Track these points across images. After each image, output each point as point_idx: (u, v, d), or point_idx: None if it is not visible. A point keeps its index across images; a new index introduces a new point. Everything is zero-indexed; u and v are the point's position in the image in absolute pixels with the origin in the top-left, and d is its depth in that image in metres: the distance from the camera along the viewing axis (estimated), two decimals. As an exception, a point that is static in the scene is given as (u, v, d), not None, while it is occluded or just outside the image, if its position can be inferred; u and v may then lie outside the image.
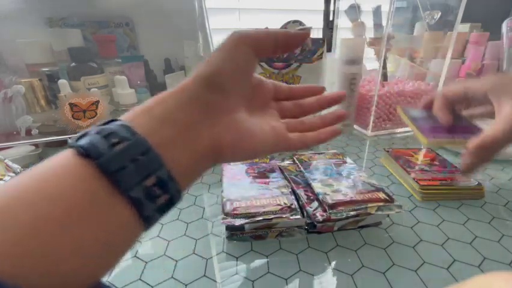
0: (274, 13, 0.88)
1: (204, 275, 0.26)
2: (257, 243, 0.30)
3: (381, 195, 0.32)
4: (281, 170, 0.40)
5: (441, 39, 0.62)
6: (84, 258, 0.12)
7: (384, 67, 0.60)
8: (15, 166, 0.38)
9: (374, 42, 0.66)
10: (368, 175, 0.36)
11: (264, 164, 0.40)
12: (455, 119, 0.35)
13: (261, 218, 0.28)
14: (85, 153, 0.12)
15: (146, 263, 0.28)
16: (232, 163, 0.40)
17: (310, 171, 0.38)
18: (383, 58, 0.55)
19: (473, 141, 0.29)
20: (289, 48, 0.21)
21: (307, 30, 0.22)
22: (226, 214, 0.29)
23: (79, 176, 0.12)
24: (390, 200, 0.31)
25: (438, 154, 0.44)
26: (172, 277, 0.26)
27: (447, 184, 0.36)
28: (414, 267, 0.26)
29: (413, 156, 0.44)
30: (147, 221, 0.14)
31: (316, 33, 0.74)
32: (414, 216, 0.34)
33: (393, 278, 0.25)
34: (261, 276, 0.26)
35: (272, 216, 0.29)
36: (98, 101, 0.44)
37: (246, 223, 0.28)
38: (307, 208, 0.31)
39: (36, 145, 0.46)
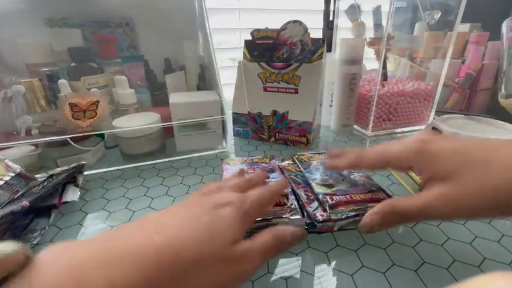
0: (274, 13, 0.88)
1: (204, 275, 0.26)
2: (257, 243, 0.30)
3: (381, 195, 0.32)
4: (281, 170, 0.40)
5: (441, 39, 0.62)
6: None
7: (384, 67, 0.60)
8: (15, 166, 0.38)
9: (374, 42, 0.66)
10: (368, 175, 0.37)
11: (264, 164, 0.40)
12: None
13: (260, 218, 0.28)
14: None
15: (146, 263, 0.28)
16: (232, 163, 0.40)
17: (310, 171, 0.38)
18: (383, 58, 0.55)
19: (385, 203, 0.25)
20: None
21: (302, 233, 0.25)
22: None
23: None
24: (389, 196, 0.31)
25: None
26: (172, 277, 0.26)
27: None
28: (414, 267, 0.26)
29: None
30: None
31: (317, 33, 0.74)
32: (414, 216, 0.34)
33: (393, 278, 0.25)
34: (261, 276, 0.26)
35: (272, 216, 0.29)
36: (98, 101, 0.44)
37: None
38: (308, 208, 0.31)
39: (36, 145, 0.46)
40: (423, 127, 0.61)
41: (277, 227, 0.24)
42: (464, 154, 0.22)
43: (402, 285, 0.25)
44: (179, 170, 0.47)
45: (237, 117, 0.58)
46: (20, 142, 0.43)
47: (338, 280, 0.26)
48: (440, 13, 0.60)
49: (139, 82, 0.60)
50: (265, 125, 0.56)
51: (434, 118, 0.61)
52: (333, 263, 0.27)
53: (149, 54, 0.62)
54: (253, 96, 0.56)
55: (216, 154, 0.52)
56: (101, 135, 0.50)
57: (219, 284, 0.18)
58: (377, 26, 0.67)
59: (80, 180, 0.40)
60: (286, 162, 0.43)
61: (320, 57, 0.52)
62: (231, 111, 0.58)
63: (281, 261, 0.28)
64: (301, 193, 0.33)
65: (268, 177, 0.36)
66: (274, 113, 0.54)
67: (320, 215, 0.29)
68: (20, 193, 0.35)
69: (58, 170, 0.40)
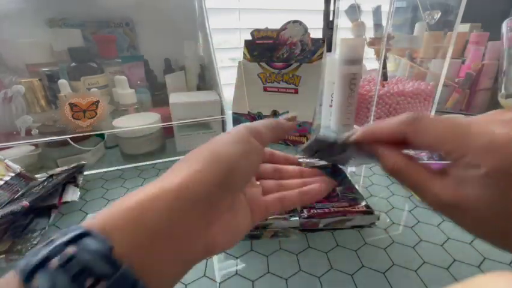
0: (274, 13, 0.88)
1: (204, 275, 0.26)
2: (257, 243, 0.30)
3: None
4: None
5: (441, 39, 0.62)
6: None
7: (384, 67, 0.60)
8: (15, 166, 0.38)
9: (374, 42, 0.66)
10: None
11: None
12: None
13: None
14: None
15: (146, 263, 0.28)
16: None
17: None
18: (383, 58, 0.55)
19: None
20: (280, 138, 0.23)
21: (294, 121, 0.24)
22: None
23: None
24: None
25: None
26: (172, 277, 0.26)
27: None
28: (414, 267, 0.26)
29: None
30: None
31: (316, 33, 0.74)
32: (414, 216, 0.34)
33: (393, 278, 0.25)
34: (261, 276, 0.26)
35: (270, 217, 0.29)
36: (98, 101, 0.44)
37: None
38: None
39: (36, 145, 0.46)
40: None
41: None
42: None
43: (402, 285, 0.25)
44: (179, 170, 0.47)
45: (237, 117, 0.58)
46: (20, 142, 0.43)
47: (337, 280, 0.26)
48: (440, 13, 0.60)
49: (139, 82, 0.60)
50: (265, 125, 0.56)
51: (434, 118, 0.61)
52: (333, 263, 0.27)
53: (149, 54, 0.62)
54: (253, 96, 0.56)
55: (216, 154, 0.52)
56: (101, 135, 0.50)
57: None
58: (377, 26, 0.67)
59: (80, 180, 0.40)
60: None
61: (320, 57, 0.52)
62: (231, 111, 0.58)
63: (281, 261, 0.28)
64: None
65: None
66: (274, 113, 0.54)
67: (306, 211, 0.30)
68: (20, 193, 0.35)
69: (58, 170, 0.40)
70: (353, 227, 0.31)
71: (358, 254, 0.28)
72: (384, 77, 0.61)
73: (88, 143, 0.47)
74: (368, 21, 0.66)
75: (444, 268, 0.26)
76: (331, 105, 0.63)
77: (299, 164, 0.25)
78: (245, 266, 0.27)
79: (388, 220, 0.33)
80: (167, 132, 0.51)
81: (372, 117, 0.58)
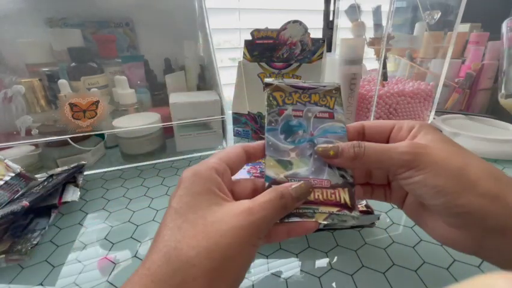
0: (274, 13, 0.88)
1: (204, 275, 0.26)
2: (257, 243, 0.30)
3: (343, 195, 0.21)
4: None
5: (441, 39, 0.62)
6: None
7: (384, 67, 0.60)
8: (15, 166, 0.38)
9: (374, 42, 0.66)
10: None
11: None
12: None
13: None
14: None
15: (146, 263, 0.28)
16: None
17: (275, 128, 0.24)
18: (383, 58, 0.55)
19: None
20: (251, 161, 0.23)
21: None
22: None
23: None
24: (350, 206, 0.21)
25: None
26: (172, 277, 0.26)
27: None
28: (414, 267, 0.26)
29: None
30: None
31: (316, 33, 0.74)
32: (414, 216, 0.34)
33: (393, 278, 0.25)
34: (261, 276, 0.26)
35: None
36: (98, 101, 0.44)
37: None
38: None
39: (36, 145, 0.46)
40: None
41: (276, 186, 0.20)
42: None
43: (402, 285, 0.25)
44: (180, 170, 0.47)
45: (237, 117, 0.58)
46: (20, 142, 0.43)
47: (338, 280, 0.26)
48: (440, 13, 0.60)
49: (139, 82, 0.60)
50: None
51: (434, 118, 0.61)
52: (333, 263, 0.27)
53: (149, 54, 0.62)
54: (253, 96, 0.56)
55: (216, 154, 0.52)
56: (101, 135, 0.50)
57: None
58: (377, 26, 0.67)
59: (80, 180, 0.40)
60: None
61: (320, 57, 0.52)
62: (231, 111, 0.58)
63: (281, 261, 0.28)
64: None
65: None
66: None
67: None
68: (20, 193, 0.35)
69: (58, 170, 0.40)
70: (353, 227, 0.31)
71: (358, 254, 0.28)
72: (384, 77, 0.61)
73: (88, 143, 0.47)
74: (368, 21, 0.66)
75: (444, 268, 0.26)
76: (331, 105, 0.63)
77: None
78: (245, 266, 0.27)
79: (388, 220, 0.33)
80: (167, 132, 0.51)
81: (372, 117, 0.58)
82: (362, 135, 0.24)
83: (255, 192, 0.22)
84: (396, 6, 0.55)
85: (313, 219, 0.20)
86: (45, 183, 0.36)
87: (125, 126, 0.46)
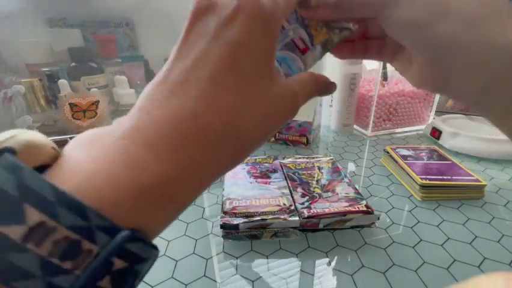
0: (274, 13, 0.88)
1: (204, 275, 0.26)
2: (257, 243, 0.30)
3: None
4: (282, 168, 0.40)
5: (441, 39, 0.62)
6: None
7: (384, 67, 0.60)
8: (15, 166, 0.38)
9: (374, 42, 0.66)
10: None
11: (266, 164, 0.41)
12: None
13: (258, 218, 0.28)
14: None
15: (146, 263, 0.28)
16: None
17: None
18: (383, 58, 0.55)
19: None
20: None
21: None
22: (225, 213, 0.30)
23: None
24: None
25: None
26: (172, 277, 0.26)
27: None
28: (414, 267, 0.26)
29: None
30: None
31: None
32: (414, 216, 0.34)
33: (393, 278, 0.25)
34: (261, 276, 0.26)
35: (270, 217, 0.29)
36: (98, 101, 0.44)
37: (241, 222, 0.28)
38: (297, 204, 0.31)
39: (36, 145, 0.46)
40: (423, 127, 0.61)
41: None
42: None
43: (402, 285, 0.25)
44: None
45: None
46: (20, 142, 0.43)
47: (338, 280, 0.26)
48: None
49: (139, 82, 0.60)
50: (265, 125, 0.56)
51: (434, 118, 0.61)
52: (333, 263, 0.27)
53: (149, 54, 0.63)
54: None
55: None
56: (101, 135, 0.50)
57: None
58: (377, 26, 0.67)
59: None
60: (287, 160, 0.43)
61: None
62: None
63: (281, 261, 0.28)
64: (298, 189, 0.34)
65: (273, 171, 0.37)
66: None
67: (306, 211, 0.30)
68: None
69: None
70: (353, 227, 0.31)
71: (358, 254, 0.28)
72: (384, 77, 0.61)
73: (88, 143, 0.47)
74: (368, 21, 0.66)
75: (444, 268, 0.26)
76: (331, 105, 0.63)
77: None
78: (245, 266, 0.27)
79: (388, 220, 0.33)
80: (167, 132, 0.51)
81: (372, 117, 0.58)
82: None
83: None
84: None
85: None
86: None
87: (125, 126, 0.46)
